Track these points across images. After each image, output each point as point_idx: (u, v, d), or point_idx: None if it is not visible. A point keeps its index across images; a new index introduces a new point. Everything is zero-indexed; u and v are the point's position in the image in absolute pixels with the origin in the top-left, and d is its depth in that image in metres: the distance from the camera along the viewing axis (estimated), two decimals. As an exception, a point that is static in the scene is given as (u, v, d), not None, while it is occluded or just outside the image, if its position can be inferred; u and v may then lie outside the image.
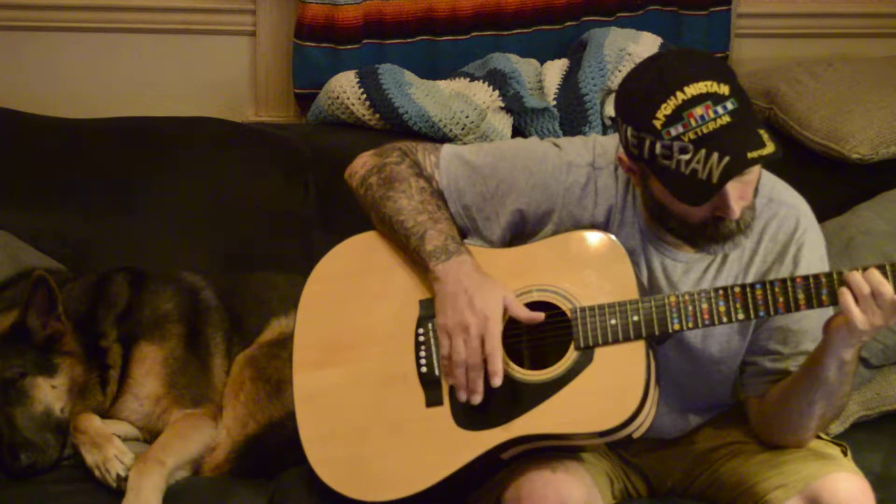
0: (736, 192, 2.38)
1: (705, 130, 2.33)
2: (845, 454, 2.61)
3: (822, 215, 2.75)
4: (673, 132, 2.34)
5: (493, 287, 2.49)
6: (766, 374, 2.58)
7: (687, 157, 2.34)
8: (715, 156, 2.32)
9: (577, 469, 2.50)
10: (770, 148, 2.34)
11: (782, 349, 2.56)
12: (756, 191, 2.46)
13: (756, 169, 2.41)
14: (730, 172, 2.32)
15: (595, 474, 2.55)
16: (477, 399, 2.47)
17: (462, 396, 2.48)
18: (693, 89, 2.34)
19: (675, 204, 2.42)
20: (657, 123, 2.35)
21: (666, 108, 2.34)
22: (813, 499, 2.45)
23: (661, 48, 3.56)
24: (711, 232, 2.44)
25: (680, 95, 2.34)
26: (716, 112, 2.33)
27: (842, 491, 2.44)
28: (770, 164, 2.38)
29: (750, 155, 2.32)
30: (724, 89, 2.35)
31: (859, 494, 2.46)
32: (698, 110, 2.33)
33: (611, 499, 2.62)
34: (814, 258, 2.57)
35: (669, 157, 2.36)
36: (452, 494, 2.54)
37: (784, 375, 2.55)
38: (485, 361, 2.47)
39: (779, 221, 2.57)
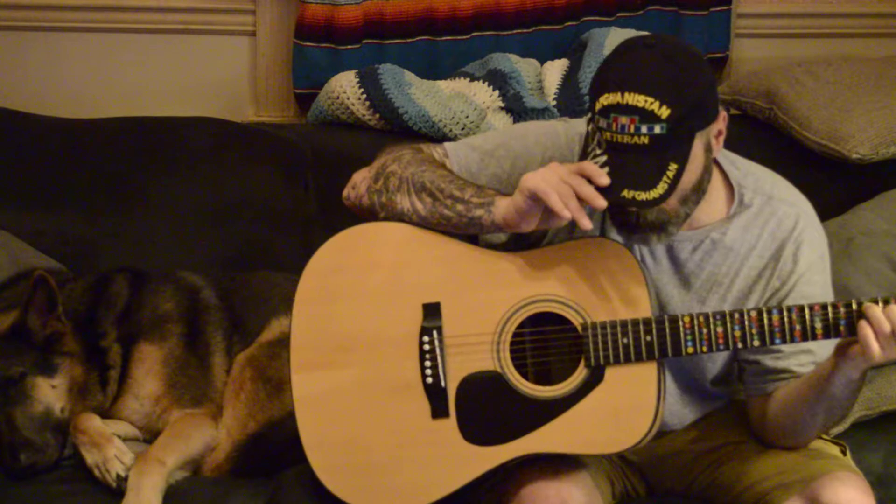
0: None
1: (618, 140, 2.35)
2: (844, 454, 2.61)
3: (822, 215, 2.74)
4: (601, 123, 2.37)
5: None
6: (768, 372, 2.57)
7: (598, 151, 2.37)
8: (606, 170, 2.34)
9: (578, 471, 2.50)
10: (651, 195, 2.34)
11: (783, 347, 2.54)
12: (684, 198, 2.44)
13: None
14: (603, 193, 2.34)
15: (595, 476, 2.55)
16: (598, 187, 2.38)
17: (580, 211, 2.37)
18: (631, 98, 2.34)
19: None
20: (597, 106, 2.38)
21: (605, 99, 2.36)
22: (813, 499, 2.44)
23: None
24: (621, 218, 2.44)
25: (616, 97, 2.35)
26: (637, 129, 2.34)
27: (841, 491, 2.43)
28: (640, 208, 2.38)
29: (623, 193, 2.34)
30: (664, 112, 2.34)
31: (859, 494, 2.45)
32: (623, 119, 2.34)
33: (611, 500, 2.62)
34: (813, 256, 2.57)
35: (591, 138, 2.39)
36: (455, 499, 2.53)
37: (785, 373, 2.55)
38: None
39: (778, 219, 2.57)
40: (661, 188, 2.34)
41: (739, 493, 2.56)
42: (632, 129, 2.33)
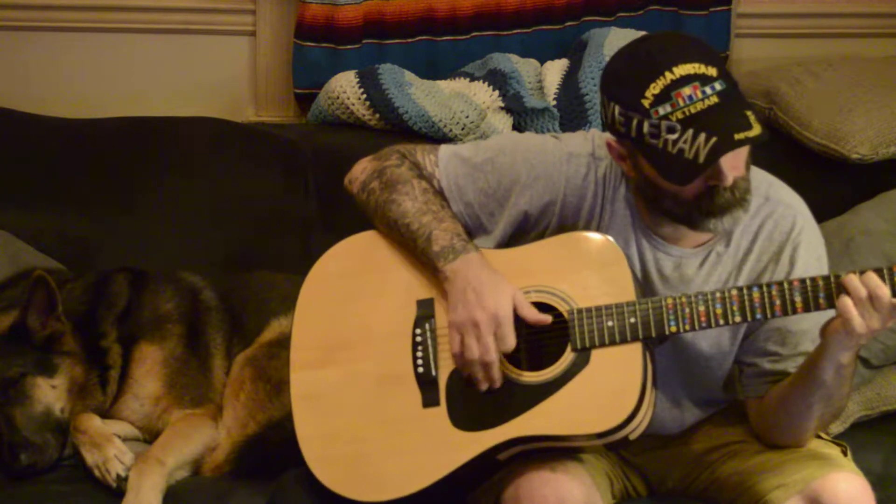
0: (727, 161, 2.39)
1: (692, 110, 2.35)
2: (845, 454, 2.61)
3: (822, 215, 2.75)
4: (661, 111, 2.36)
5: (503, 284, 2.49)
6: (766, 375, 2.58)
7: (674, 136, 2.36)
8: (702, 136, 2.34)
9: (577, 469, 2.50)
10: (757, 130, 2.36)
11: (781, 350, 2.56)
12: (748, 165, 2.46)
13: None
14: (716, 153, 2.34)
15: (594, 474, 2.55)
16: (497, 384, 2.48)
17: (483, 387, 2.48)
18: (681, 69, 2.36)
19: (666, 182, 2.43)
20: (645, 102, 2.37)
21: (654, 88, 2.36)
22: (813, 499, 2.44)
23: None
24: (707, 205, 2.44)
25: (668, 75, 2.36)
26: (703, 93, 2.36)
27: (842, 491, 2.44)
28: (758, 148, 2.41)
29: (737, 136, 2.34)
30: (712, 71, 2.37)
31: (859, 494, 2.45)
32: (686, 90, 2.35)
33: (610, 499, 2.62)
34: (810, 258, 2.58)
35: (657, 137, 2.38)
36: (451, 494, 2.54)
37: (783, 376, 2.55)
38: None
39: (775, 221, 2.58)
40: (759, 125, 2.37)
41: (739, 493, 2.56)
42: (699, 94, 2.35)
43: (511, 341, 2.47)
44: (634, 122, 2.39)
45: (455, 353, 2.50)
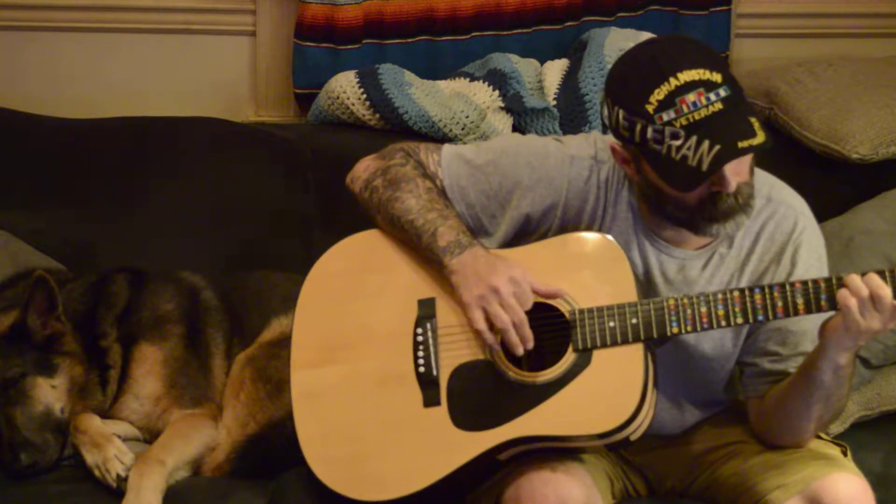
0: (731, 168, 2.39)
1: (697, 117, 2.35)
2: (845, 454, 2.62)
3: (822, 215, 2.75)
4: (665, 117, 2.36)
5: (512, 262, 2.49)
6: (766, 375, 2.58)
7: (678, 142, 2.36)
8: (706, 143, 2.34)
9: (577, 469, 2.50)
10: (761, 137, 2.36)
11: (781, 350, 2.56)
12: (752, 169, 2.46)
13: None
14: (720, 160, 2.34)
15: (595, 474, 2.55)
16: (531, 344, 2.47)
17: (519, 351, 2.47)
18: (686, 76, 2.36)
19: (669, 188, 2.43)
20: (649, 108, 2.37)
21: (659, 94, 2.36)
22: (813, 499, 2.45)
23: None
24: (710, 210, 2.45)
25: (673, 81, 2.36)
26: (708, 99, 2.35)
27: (842, 491, 2.44)
28: (761, 153, 2.41)
29: (741, 144, 2.34)
30: (717, 77, 2.37)
31: (859, 495, 2.46)
32: (690, 97, 2.35)
33: (611, 499, 2.62)
34: (811, 259, 2.58)
35: (661, 142, 2.38)
36: (451, 494, 2.54)
37: (783, 376, 2.55)
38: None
39: (776, 221, 2.58)
40: (763, 133, 2.36)
41: (739, 493, 2.56)
42: (703, 101, 2.35)
43: (530, 299, 2.46)
44: (638, 127, 2.39)
45: (481, 330, 2.48)
